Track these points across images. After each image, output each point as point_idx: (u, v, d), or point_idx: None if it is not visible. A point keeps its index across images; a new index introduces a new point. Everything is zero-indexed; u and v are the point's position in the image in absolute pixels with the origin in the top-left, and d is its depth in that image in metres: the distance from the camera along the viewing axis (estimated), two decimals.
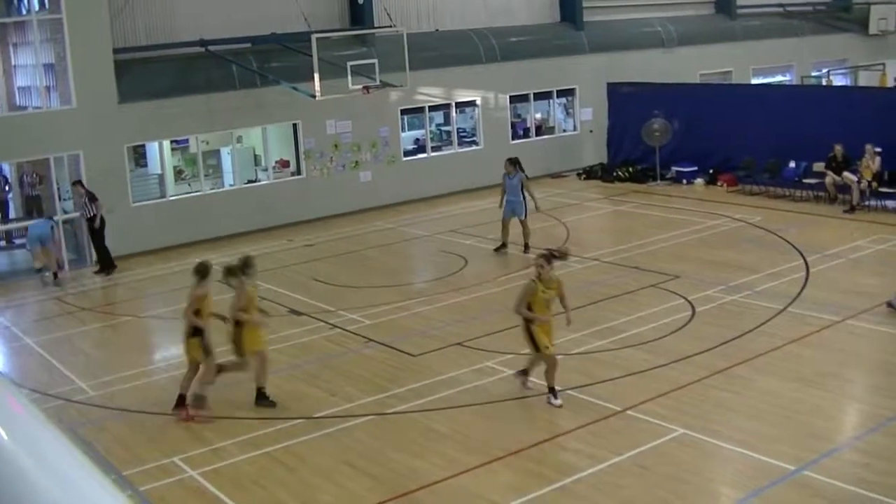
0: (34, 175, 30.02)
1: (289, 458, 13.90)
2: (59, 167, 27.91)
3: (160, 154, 29.75)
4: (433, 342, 18.44)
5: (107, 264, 26.01)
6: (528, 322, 15.20)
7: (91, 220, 25.85)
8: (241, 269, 16.20)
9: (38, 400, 16.09)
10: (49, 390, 16.95)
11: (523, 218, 25.31)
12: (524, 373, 15.85)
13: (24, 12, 28.93)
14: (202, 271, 16.20)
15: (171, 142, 30.23)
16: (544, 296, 15.21)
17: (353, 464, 13.50)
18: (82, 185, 26.18)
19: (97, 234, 25.97)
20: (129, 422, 15.74)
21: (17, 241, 29.77)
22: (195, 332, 15.68)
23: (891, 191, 27.35)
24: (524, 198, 25.38)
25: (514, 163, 25.71)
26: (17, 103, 31.59)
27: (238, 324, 15.84)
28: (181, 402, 15.67)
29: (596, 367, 16.66)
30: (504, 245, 25.57)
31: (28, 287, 25.09)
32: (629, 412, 14.61)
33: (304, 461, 13.79)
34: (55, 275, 25.47)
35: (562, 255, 16.08)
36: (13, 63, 32.00)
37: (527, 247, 25.04)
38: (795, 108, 30.53)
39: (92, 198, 25.77)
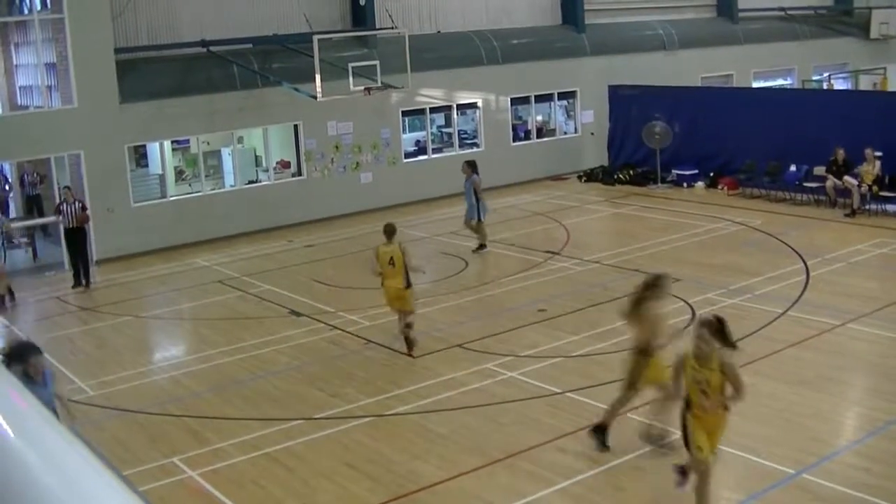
0: (35, 174, 30.04)
1: (289, 458, 13.91)
2: (59, 167, 27.94)
3: (161, 154, 29.78)
4: (434, 344, 18.44)
5: (87, 277, 25.14)
6: (685, 407, 11.56)
7: (78, 230, 24.94)
8: (653, 287, 13.78)
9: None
10: None
11: (474, 222, 25.66)
12: (682, 472, 11.97)
13: (25, 12, 28.97)
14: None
15: (172, 142, 30.27)
16: (699, 376, 11.35)
17: (353, 465, 13.50)
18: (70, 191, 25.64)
19: (83, 243, 25.27)
20: (129, 422, 15.75)
21: (17, 241, 29.75)
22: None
23: (891, 195, 27.33)
24: (477, 201, 25.57)
25: (470, 165, 25.92)
26: (19, 103, 31.62)
27: (644, 351, 13.59)
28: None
29: (596, 369, 16.66)
30: (482, 245, 25.91)
31: (28, 286, 25.09)
32: (628, 415, 14.57)
33: (303, 462, 13.79)
34: (3, 299, 23.74)
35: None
36: (15, 62, 32.04)
37: (481, 247, 25.79)
38: (796, 112, 30.52)
39: (84, 207, 25.36)
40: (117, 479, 1.94)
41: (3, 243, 25.36)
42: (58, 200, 25.84)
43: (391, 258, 18.02)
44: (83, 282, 24.69)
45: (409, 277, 18.02)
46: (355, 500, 12.47)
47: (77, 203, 24.93)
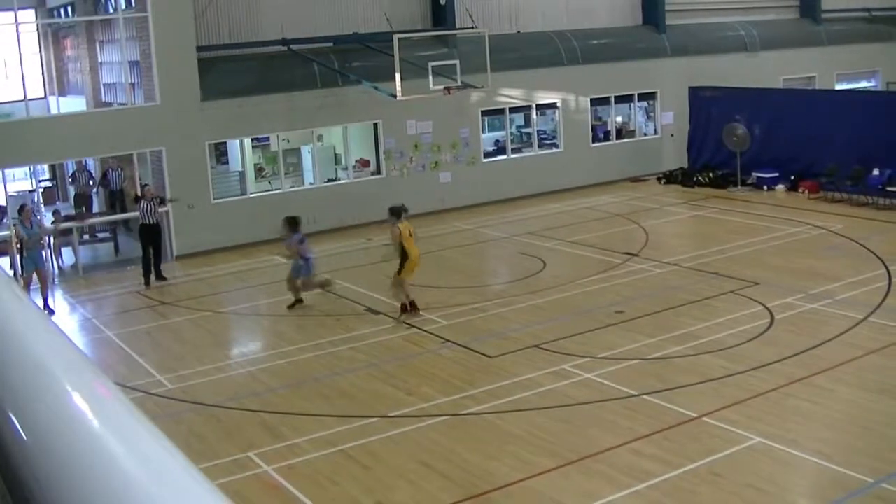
0: (120, 170, 30.42)
1: (364, 456, 13.96)
2: (142, 163, 28.29)
3: (241, 151, 30.02)
4: (510, 344, 18.44)
5: (157, 271, 25.43)
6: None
7: (156, 226, 25.20)
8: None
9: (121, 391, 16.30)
10: (128, 382, 17.17)
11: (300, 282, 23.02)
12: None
13: (111, 10, 29.35)
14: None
15: (253, 139, 30.49)
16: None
17: (428, 463, 13.53)
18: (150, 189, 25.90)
19: (158, 240, 25.48)
20: (205, 415, 15.90)
21: (101, 235, 30.17)
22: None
23: None
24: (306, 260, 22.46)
25: (289, 223, 22.34)
26: (103, 99, 32.04)
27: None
28: None
29: (673, 372, 16.57)
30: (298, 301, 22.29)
31: (110, 280, 25.43)
32: (705, 419, 14.50)
33: (379, 460, 13.84)
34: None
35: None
36: (100, 60, 32.48)
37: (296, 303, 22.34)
38: (880, 115, 30.11)
39: (162, 201, 25.76)
40: (200, 472, 1.97)
41: (50, 247, 25.65)
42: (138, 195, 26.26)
43: (410, 231, 20.68)
44: (155, 274, 25.11)
45: None
46: (430, 498, 12.49)
47: (155, 199, 25.18)
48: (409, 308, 20.56)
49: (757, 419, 14.41)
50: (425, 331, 19.66)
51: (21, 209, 23.30)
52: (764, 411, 14.78)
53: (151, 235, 25.01)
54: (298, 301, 21.92)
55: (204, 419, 15.80)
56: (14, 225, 23.44)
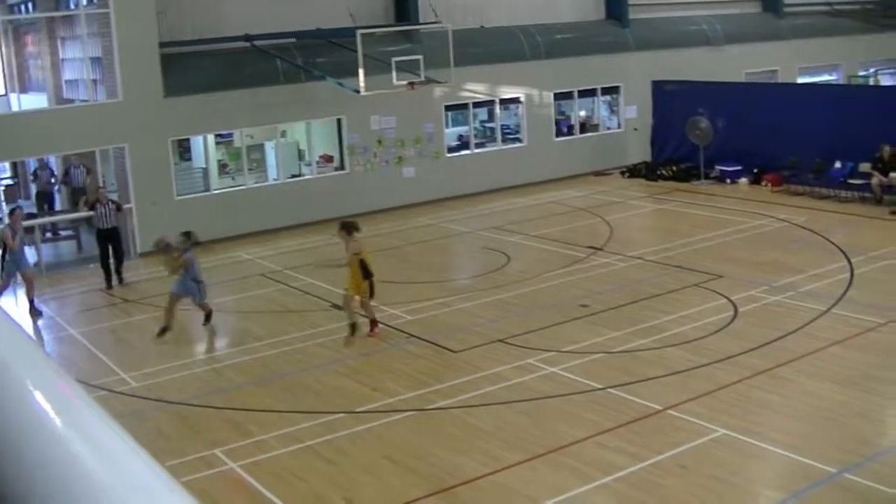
0: (82, 167, 30.25)
1: (330, 452, 13.95)
2: (104, 160, 28.16)
3: (205, 148, 29.92)
4: (475, 339, 18.45)
5: (119, 274, 24.96)
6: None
7: (113, 230, 24.76)
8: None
9: (83, 388, 16.22)
10: (92, 381, 17.06)
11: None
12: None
13: (72, 6, 29.19)
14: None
15: (216, 136, 30.39)
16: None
17: (395, 459, 13.53)
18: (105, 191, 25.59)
19: (118, 243, 25.17)
20: (171, 413, 15.85)
21: (63, 233, 30.01)
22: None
23: None
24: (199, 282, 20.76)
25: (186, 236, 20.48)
26: (65, 96, 31.87)
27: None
28: None
29: (638, 365, 16.62)
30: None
31: (73, 278, 25.30)
32: (670, 411, 14.56)
33: (345, 455, 13.83)
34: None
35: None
36: (61, 56, 32.29)
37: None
38: (842, 108, 30.28)
39: (119, 207, 25.27)
40: (164, 470, 1.96)
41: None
42: (108, 190, 26.06)
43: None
44: (117, 278, 24.66)
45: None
46: (397, 494, 12.49)
47: (110, 203, 24.82)
48: (353, 331, 18.95)
49: (722, 411, 14.48)
50: (390, 326, 19.65)
51: (12, 212, 23.03)
52: (728, 403, 14.85)
53: (109, 240, 24.67)
54: (166, 329, 19.58)
55: (169, 417, 15.74)
56: (3, 228, 22.92)
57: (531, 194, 32.91)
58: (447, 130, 33.88)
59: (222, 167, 30.96)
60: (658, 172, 34.78)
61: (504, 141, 35.18)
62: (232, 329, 21.20)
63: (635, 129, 37.04)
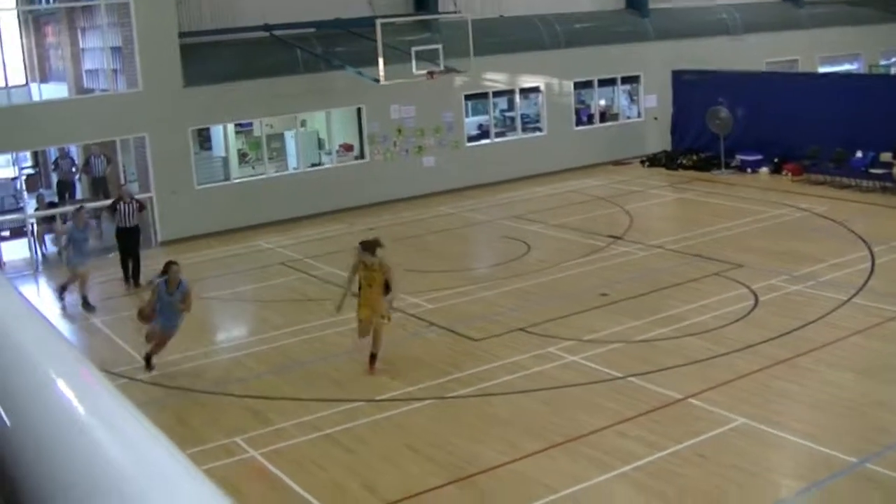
0: (102, 156, 30.30)
1: (350, 440, 13.98)
2: (125, 150, 28.22)
3: (224, 137, 29.96)
4: (495, 327, 18.45)
5: (136, 277, 24.11)
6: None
7: (132, 230, 24.03)
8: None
9: (103, 375, 16.27)
10: (113, 369, 17.10)
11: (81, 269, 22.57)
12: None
13: None
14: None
15: (236, 125, 30.42)
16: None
17: (414, 447, 13.55)
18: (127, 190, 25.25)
19: (136, 243, 24.47)
20: (191, 401, 15.89)
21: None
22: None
23: None
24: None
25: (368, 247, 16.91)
26: (85, 86, 31.92)
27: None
28: None
29: (657, 354, 16.60)
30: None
31: (94, 267, 25.28)
32: (690, 400, 14.55)
33: (364, 444, 13.86)
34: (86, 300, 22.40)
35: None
36: (81, 46, 32.33)
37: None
38: (863, 98, 30.13)
39: (142, 206, 24.86)
40: (185, 457, 1.97)
41: (33, 234, 24.99)
42: (127, 180, 26.06)
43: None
44: (132, 282, 23.92)
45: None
46: (416, 482, 12.51)
47: (134, 202, 24.26)
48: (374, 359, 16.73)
49: (742, 400, 14.46)
50: (410, 314, 19.65)
51: (77, 211, 22.63)
52: (748, 392, 14.83)
53: (129, 240, 24.06)
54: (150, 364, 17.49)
55: (189, 405, 15.79)
56: (64, 222, 23.10)
57: (551, 183, 32.86)
58: (467, 120, 33.85)
59: (242, 156, 31.01)
60: (678, 162, 34.70)
61: (524, 130, 35.14)
62: (252, 318, 21.25)
63: (655, 119, 36.94)
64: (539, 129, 35.32)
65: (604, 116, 37.08)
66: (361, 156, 31.51)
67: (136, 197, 25.10)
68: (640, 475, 12.34)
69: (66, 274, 22.58)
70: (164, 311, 17.11)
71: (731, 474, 12.30)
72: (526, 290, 21.06)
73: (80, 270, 22.19)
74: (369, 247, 16.55)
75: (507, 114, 35.58)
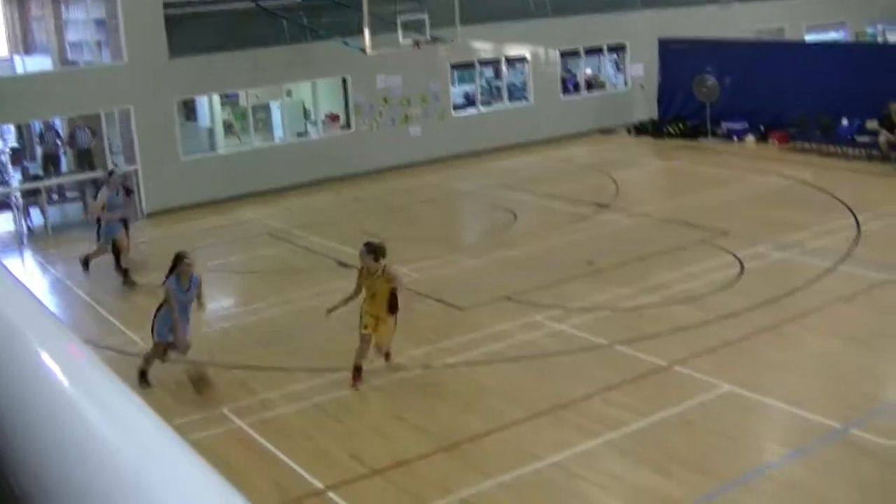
0: (87, 129, 30.22)
1: (337, 409, 14.02)
2: (110, 122, 28.14)
3: (210, 108, 29.90)
4: (482, 296, 18.48)
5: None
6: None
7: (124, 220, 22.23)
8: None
9: (93, 352, 16.27)
10: (101, 342, 17.10)
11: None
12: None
13: None
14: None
15: (221, 96, 30.36)
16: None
17: (401, 416, 13.60)
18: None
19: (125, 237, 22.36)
20: (178, 372, 15.88)
21: (69, 195, 30.07)
22: None
23: None
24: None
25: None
26: (69, 59, 31.81)
27: None
28: None
29: (643, 322, 16.66)
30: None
31: (80, 240, 25.27)
32: (676, 368, 14.61)
33: (351, 413, 13.91)
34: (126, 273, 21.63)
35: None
36: (64, 18, 32.21)
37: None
38: (849, 66, 30.15)
39: (129, 192, 23.53)
40: (172, 431, 1.99)
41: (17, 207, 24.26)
42: (112, 152, 25.89)
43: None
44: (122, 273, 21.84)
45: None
46: (403, 450, 12.55)
47: (121, 189, 22.19)
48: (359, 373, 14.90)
49: (727, 367, 14.52)
50: None
51: (109, 175, 22.06)
52: (734, 360, 14.91)
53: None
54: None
55: (176, 376, 15.79)
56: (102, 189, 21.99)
57: (537, 152, 32.86)
58: (453, 89, 33.83)
59: (228, 127, 30.95)
60: (665, 130, 34.71)
61: (510, 99, 35.13)
62: (238, 288, 21.26)
63: (642, 87, 36.91)
64: (525, 98, 35.29)
65: (590, 85, 37.06)
66: (347, 126, 31.47)
67: (126, 184, 24.01)
68: (627, 442, 12.41)
69: (94, 245, 21.86)
70: (182, 313, 15.21)
71: (717, 441, 12.38)
72: (512, 259, 21.10)
73: (118, 238, 21.62)
74: (372, 250, 14.68)
75: (494, 83, 35.55)
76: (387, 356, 15.26)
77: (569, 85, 36.51)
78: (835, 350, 15.15)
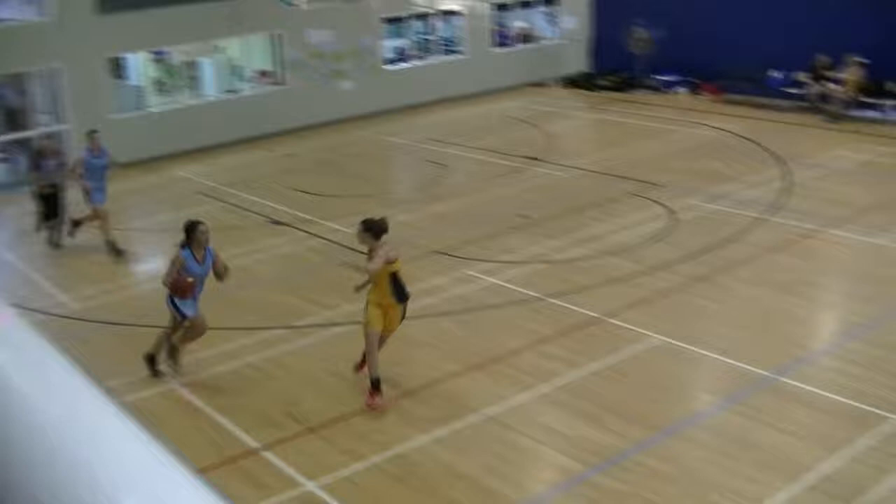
0: (14, 89, 29.72)
1: (272, 367, 13.99)
2: (37, 81, 27.70)
3: (140, 66, 29.54)
4: (415, 250, 18.42)
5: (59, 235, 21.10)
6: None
7: (54, 189, 20.68)
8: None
9: (19, 315, 16.10)
10: (30, 304, 16.90)
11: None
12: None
13: None
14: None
15: (151, 53, 29.98)
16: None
17: (336, 372, 13.57)
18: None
19: (62, 208, 21.05)
20: (112, 334, 15.77)
21: None
22: None
23: (873, 101, 27.34)
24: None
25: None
26: None
27: None
28: None
29: (576, 274, 16.73)
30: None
31: (8, 201, 24.95)
32: (609, 319, 14.69)
33: (286, 370, 13.88)
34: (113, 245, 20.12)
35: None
36: None
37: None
38: (780, 18, 30.31)
39: (62, 161, 21.64)
40: (102, 392, 1.96)
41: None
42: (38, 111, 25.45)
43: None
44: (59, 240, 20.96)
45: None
46: (338, 406, 12.53)
47: (56, 156, 21.17)
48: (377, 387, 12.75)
49: (660, 318, 14.64)
50: (329, 240, 19.61)
51: (90, 134, 20.26)
52: (666, 310, 15.03)
53: (53, 202, 20.78)
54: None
55: (110, 338, 15.67)
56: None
57: (470, 106, 32.83)
58: (385, 43, 33.64)
59: (158, 85, 30.58)
60: (597, 83, 34.78)
61: (443, 53, 35.00)
62: (171, 248, 21.01)
63: (575, 40, 36.92)
64: (458, 52, 35.18)
65: (523, 38, 37.01)
66: (280, 82, 31.22)
67: (52, 132, 23.29)
68: (561, 394, 12.47)
69: (85, 210, 20.32)
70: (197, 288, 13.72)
71: (651, 391, 12.48)
72: (445, 213, 21.10)
73: (100, 208, 19.94)
74: (370, 227, 12.91)
75: (427, 37, 35.41)
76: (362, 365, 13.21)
77: (501, 38, 36.44)
78: (765, 299, 15.32)
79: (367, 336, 12.72)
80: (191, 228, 13.77)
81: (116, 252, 19.80)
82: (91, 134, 20.22)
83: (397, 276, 12.78)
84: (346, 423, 12.23)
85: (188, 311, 13.61)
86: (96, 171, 19.83)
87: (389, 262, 12.60)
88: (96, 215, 20.02)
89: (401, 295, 12.84)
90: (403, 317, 13.09)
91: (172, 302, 13.62)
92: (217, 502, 2.34)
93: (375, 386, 12.58)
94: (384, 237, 12.83)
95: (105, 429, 1.86)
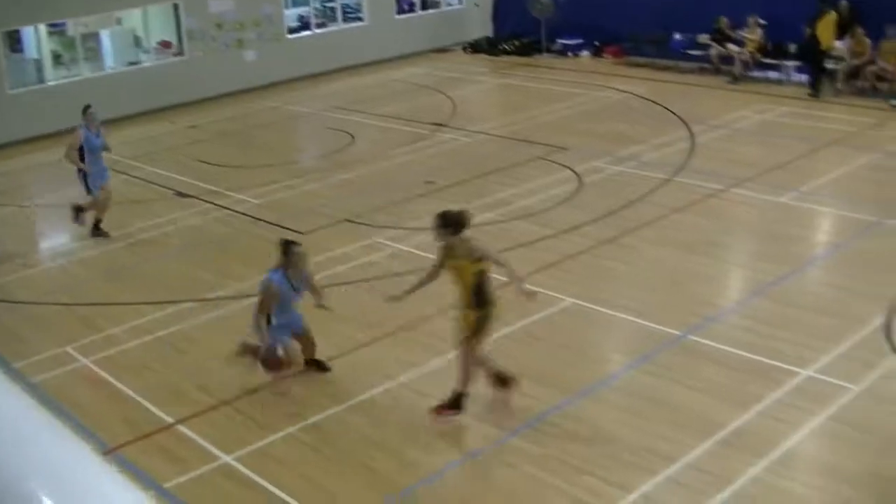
0: None
1: (181, 341, 13.91)
2: None
3: (36, 38, 29.01)
4: (322, 219, 18.41)
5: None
6: None
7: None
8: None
9: None
10: None
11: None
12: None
13: None
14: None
15: (48, 25, 29.45)
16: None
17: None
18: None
19: None
20: (19, 313, 15.54)
21: None
22: None
23: (774, 62, 27.67)
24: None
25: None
26: None
27: None
28: None
29: (484, 238, 16.65)
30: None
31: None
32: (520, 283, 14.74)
33: (196, 344, 13.80)
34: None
35: None
36: None
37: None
38: None
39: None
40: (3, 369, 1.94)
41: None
42: None
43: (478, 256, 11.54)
44: None
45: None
46: (251, 379, 12.46)
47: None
48: (500, 382, 11.55)
49: (569, 281, 14.75)
50: (236, 211, 19.48)
51: (86, 111, 18.98)
52: (575, 273, 15.15)
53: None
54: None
55: (17, 317, 15.43)
56: (78, 128, 19.02)
57: (373, 73, 32.71)
58: (287, 12, 33.37)
59: (56, 58, 30.06)
60: (500, 47, 34.78)
61: (345, 20, 34.82)
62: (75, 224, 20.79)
63: (476, 5, 36.92)
64: (360, 19, 35.01)
65: (425, 4, 36.91)
66: (181, 52, 30.86)
67: None
68: None
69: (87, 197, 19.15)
70: (284, 312, 12.38)
71: (562, 353, 12.60)
72: (351, 181, 21.04)
73: (102, 187, 18.92)
74: (449, 222, 11.46)
75: (328, 4, 35.17)
76: (502, 381, 11.57)
77: (404, 4, 36.31)
78: (672, 259, 15.51)
79: (473, 356, 11.22)
80: (286, 249, 12.13)
81: (101, 233, 18.87)
82: (87, 110, 18.98)
83: (483, 277, 11.25)
84: (258, 396, 12.20)
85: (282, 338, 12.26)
86: (96, 151, 18.75)
87: (477, 259, 11.20)
88: (95, 203, 18.88)
89: (480, 300, 11.18)
90: (482, 329, 11.19)
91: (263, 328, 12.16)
92: (122, 479, 2.32)
93: (459, 400, 11.32)
94: (465, 233, 11.36)
95: (7, 409, 1.83)
